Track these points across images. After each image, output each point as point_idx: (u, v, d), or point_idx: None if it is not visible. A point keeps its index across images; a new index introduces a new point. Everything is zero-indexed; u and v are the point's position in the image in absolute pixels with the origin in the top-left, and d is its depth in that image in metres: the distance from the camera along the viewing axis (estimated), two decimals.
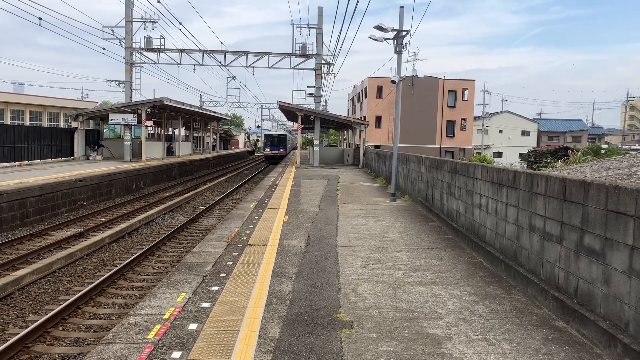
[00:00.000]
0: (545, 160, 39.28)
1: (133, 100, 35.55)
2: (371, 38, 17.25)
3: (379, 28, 16.43)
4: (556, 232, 6.36)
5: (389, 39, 17.07)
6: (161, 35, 43.47)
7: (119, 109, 32.77)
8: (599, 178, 8.80)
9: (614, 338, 4.86)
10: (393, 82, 17.36)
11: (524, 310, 6.26)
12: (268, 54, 37.66)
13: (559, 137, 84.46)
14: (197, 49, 36.66)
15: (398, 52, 17.17)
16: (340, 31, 38.24)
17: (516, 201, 7.72)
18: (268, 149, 54.68)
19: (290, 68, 38.47)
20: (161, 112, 35.99)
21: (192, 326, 5.45)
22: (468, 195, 10.38)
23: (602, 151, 49.34)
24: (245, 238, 10.03)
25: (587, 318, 5.37)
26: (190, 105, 37.55)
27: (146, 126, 32.78)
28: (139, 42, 37.44)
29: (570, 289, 5.95)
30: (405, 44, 17.21)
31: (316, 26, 37.95)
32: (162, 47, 37.13)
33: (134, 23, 36.67)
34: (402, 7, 16.80)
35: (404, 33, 16.78)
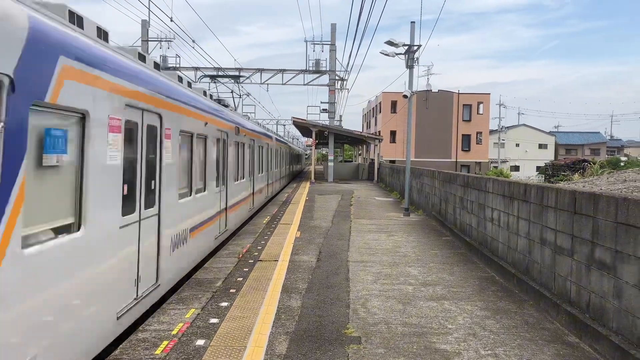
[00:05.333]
0: (563, 173, 38.83)
1: None
2: (382, 53, 17.35)
3: (390, 43, 16.52)
4: (567, 246, 6.28)
5: (400, 54, 17.14)
6: (176, 54, 44.10)
7: None
8: (609, 190, 8.68)
9: (626, 353, 4.75)
10: (405, 96, 17.40)
11: (536, 325, 6.16)
12: (282, 70, 37.96)
13: (576, 150, 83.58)
14: (212, 66, 37.11)
15: (410, 66, 17.22)
16: (352, 47, 38.81)
17: (527, 214, 7.64)
18: None
19: (304, 84, 38.73)
20: None
21: (200, 342, 5.45)
22: (480, 209, 10.30)
23: (622, 164, 48.72)
24: (256, 254, 10.04)
25: (600, 333, 5.26)
26: None
27: None
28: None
29: (583, 303, 5.85)
30: (417, 58, 17.27)
31: (329, 42, 38.24)
32: (178, 65, 37.68)
33: (150, 42, 37.33)
34: (413, 22, 16.89)
35: (415, 48, 16.83)
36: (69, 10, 5.07)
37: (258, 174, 16.82)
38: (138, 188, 6.24)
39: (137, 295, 6.12)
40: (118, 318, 5.53)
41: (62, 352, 4.36)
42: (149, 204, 6.63)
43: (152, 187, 6.77)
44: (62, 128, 4.51)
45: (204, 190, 9.80)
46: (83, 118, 4.81)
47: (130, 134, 5.98)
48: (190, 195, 8.76)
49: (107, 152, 5.29)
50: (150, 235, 6.69)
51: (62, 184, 4.59)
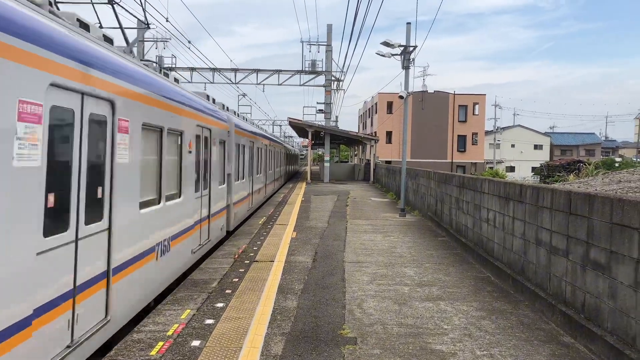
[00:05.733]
0: (558, 174, 38.97)
1: None
2: (378, 54, 17.37)
3: (386, 44, 16.54)
4: (562, 246, 6.29)
5: (396, 54, 17.17)
6: (172, 55, 44.06)
7: None
8: (604, 191, 8.71)
9: (621, 353, 4.76)
10: (401, 97, 17.43)
11: (531, 325, 6.17)
12: (278, 71, 37.95)
13: (571, 151, 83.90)
14: (208, 67, 37.06)
15: (405, 67, 17.25)
16: (348, 48, 38.56)
17: (523, 215, 7.66)
18: None
19: (300, 85, 38.74)
20: None
21: (195, 343, 5.44)
22: (476, 209, 10.31)
23: (616, 164, 48.93)
24: (252, 254, 10.03)
25: (595, 333, 5.28)
26: None
27: None
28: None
29: (578, 303, 5.87)
30: (413, 59, 17.30)
31: (325, 43, 38.30)
32: (174, 65, 37.60)
33: (145, 43, 37.22)
34: (408, 23, 16.94)
35: (411, 49, 16.86)
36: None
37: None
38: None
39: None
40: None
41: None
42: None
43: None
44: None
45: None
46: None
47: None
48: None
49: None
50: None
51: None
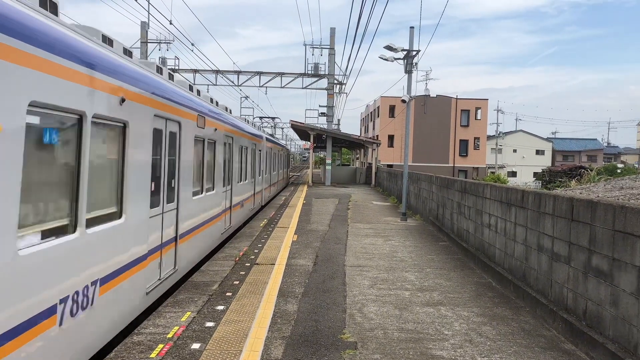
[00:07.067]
0: (560, 179, 38.86)
1: None
2: (381, 58, 17.38)
3: (389, 48, 16.55)
4: (564, 253, 6.28)
5: (399, 58, 17.18)
6: (175, 56, 44.28)
7: None
8: (606, 198, 8.69)
9: None
10: (403, 101, 17.42)
11: (532, 332, 6.15)
12: (281, 74, 37.98)
13: (574, 157, 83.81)
14: (211, 69, 37.10)
15: (408, 71, 17.24)
16: (351, 51, 37.56)
17: (524, 221, 7.64)
18: None
19: (303, 88, 38.75)
20: None
21: (195, 345, 5.43)
22: (477, 214, 10.30)
23: (618, 171, 48.81)
24: (253, 257, 10.02)
25: (596, 341, 5.26)
26: None
27: None
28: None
29: (579, 310, 5.85)
30: (416, 63, 17.30)
31: (328, 46, 38.30)
32: (177, 67, 37.66)
33: (149, 44, 37.31)
34: (412, 27, 16.93)
35: (414, 53, 16.87)
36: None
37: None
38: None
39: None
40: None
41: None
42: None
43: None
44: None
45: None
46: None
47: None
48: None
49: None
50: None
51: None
